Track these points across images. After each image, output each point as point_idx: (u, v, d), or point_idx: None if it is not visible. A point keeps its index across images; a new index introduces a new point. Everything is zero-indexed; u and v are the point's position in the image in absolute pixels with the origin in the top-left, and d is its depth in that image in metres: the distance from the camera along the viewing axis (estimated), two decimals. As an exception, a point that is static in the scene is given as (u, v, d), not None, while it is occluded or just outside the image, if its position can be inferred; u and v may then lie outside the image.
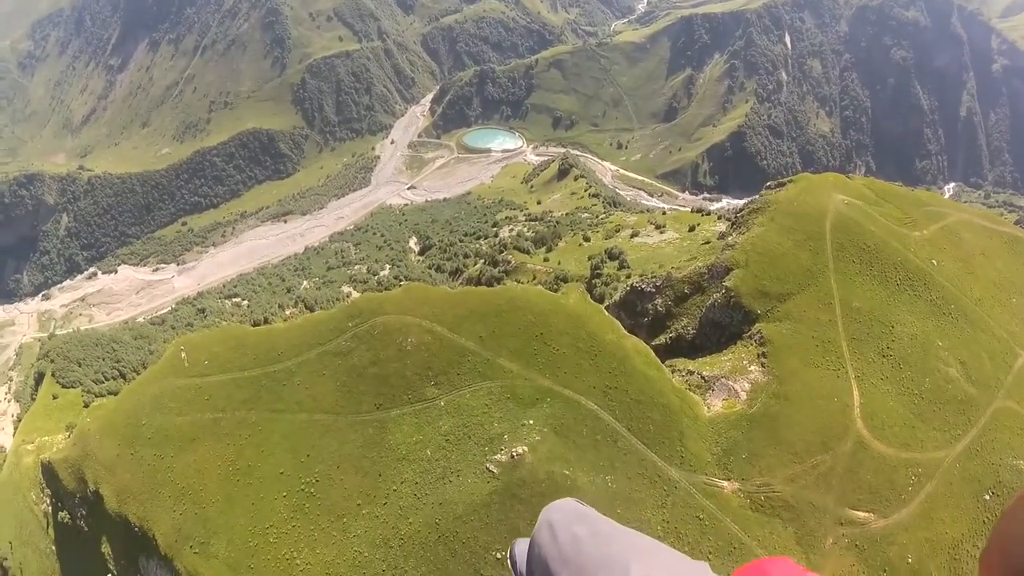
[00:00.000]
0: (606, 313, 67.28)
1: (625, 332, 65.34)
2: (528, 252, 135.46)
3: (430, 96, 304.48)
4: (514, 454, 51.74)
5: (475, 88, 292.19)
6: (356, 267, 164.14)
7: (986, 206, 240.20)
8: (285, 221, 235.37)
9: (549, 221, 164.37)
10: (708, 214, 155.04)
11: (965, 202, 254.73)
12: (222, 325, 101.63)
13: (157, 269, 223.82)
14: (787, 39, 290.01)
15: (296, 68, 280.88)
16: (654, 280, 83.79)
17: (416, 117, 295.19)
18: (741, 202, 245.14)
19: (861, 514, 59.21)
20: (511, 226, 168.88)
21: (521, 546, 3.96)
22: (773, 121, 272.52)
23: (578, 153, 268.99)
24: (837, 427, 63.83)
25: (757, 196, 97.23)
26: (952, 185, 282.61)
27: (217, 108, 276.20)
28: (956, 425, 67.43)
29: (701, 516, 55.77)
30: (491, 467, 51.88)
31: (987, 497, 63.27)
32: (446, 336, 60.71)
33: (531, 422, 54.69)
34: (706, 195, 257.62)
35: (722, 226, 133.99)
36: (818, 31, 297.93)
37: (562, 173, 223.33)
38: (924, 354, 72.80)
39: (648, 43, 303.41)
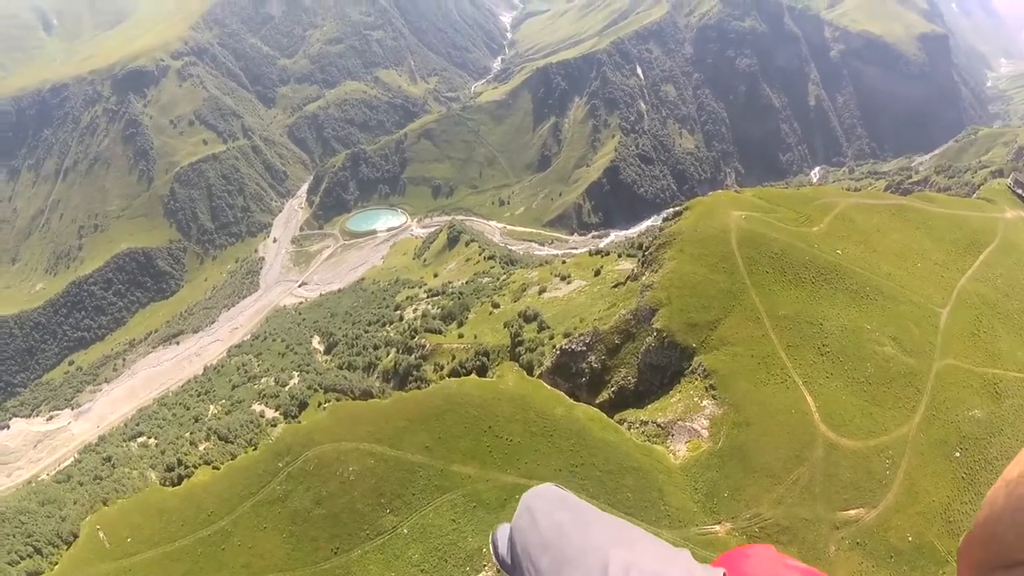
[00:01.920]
0: (547, 386, 64.26)
1: (571, 401, 62.51)
2: (440, 331, 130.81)
3: (305, 187, 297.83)
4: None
5: (349, 171, 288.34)
6: (263, 380, 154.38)
7: (853, 180, 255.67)
8: (177, 343, 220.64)
9: (452, 293, 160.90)
10: (607, 254, 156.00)
11: (833, 182, 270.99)
12: (136, 493, 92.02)
13: (51, 417, 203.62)
14: (639, 71, 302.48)
15: (164, 179, 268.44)
16: (582, 338, 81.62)
17: (294, 211, 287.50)
18: (630, 232, 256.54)
19: (852, 512, 58.92)
20: (414, 306, 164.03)
21: (502, 532, 3.74)
22: (641, 149, 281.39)
23: (463, 218, 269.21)
24: (803, 437, 63.36)
25: (657, 229, 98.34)
26: (817, 169, 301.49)
27: (87, 232, 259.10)
28: (907, 398, 68.48)
29: None
30: (478, 586, 47.47)
31: (957, 454, 64.34)
32: (390, 454, 55.97)
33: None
34: (594, 233, 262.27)
35: (626, 263, 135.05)
36: (666, 57, 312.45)
37: (452, 241, 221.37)
38: (858, 341, 74.00)
39: (510, 99, 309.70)
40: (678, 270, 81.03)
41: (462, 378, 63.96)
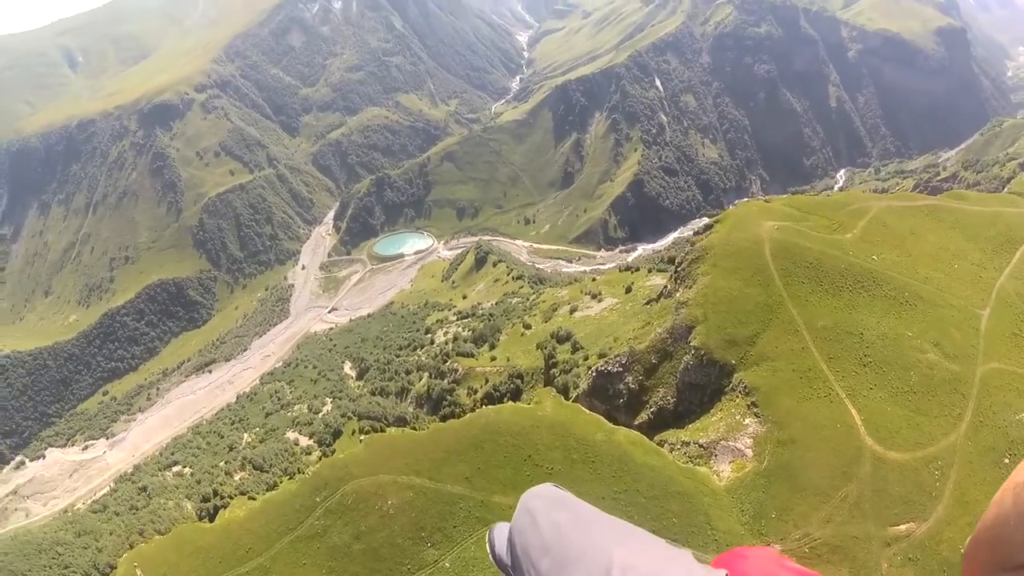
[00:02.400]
0: (586, 411, 63.27)
1: (612, 426, 61.41)
2: (472, 355, 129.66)
3: (331, 214, 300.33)
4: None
5: (374, 197, 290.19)
6: (296, 407, 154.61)
7: (879, 180, 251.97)
8: (210, 371, 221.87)
9: (482, 315, 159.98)
10: (637, 269, 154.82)
11: (859, 183, 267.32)
12: (173, 529, 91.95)
13: (87, 447, 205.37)
14: (657, 83, 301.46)
15: (192, 210, 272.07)
16: (619, 358, 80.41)
17: (322, 237, 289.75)
18: (657, 245, 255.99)
19: (903, 527, 57.11)
20: (445, 329, 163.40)
21: (500, 531, 3.81)
22: (664, 161, 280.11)
23: (489, 238, 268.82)
24: (850, 452, 61.65)
25: (688, 243, 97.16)
26: (843, 171, 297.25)
27: (118, 264, 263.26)
28: (953, 405, 66.66)
29: None
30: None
31: (1007, 460, 62.42)
32: (429, 487, 55.24)
33: (549, 556, 49.57)
34: (621, 247, 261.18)
35: (657, 279, 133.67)
36: (684, 68, 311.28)
37: (479, 262, 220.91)
38: (899, 349, 72.26)
39: (530, 117, 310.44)
40: (712, 285, 79.77)
41: (499, 406, 63.07)
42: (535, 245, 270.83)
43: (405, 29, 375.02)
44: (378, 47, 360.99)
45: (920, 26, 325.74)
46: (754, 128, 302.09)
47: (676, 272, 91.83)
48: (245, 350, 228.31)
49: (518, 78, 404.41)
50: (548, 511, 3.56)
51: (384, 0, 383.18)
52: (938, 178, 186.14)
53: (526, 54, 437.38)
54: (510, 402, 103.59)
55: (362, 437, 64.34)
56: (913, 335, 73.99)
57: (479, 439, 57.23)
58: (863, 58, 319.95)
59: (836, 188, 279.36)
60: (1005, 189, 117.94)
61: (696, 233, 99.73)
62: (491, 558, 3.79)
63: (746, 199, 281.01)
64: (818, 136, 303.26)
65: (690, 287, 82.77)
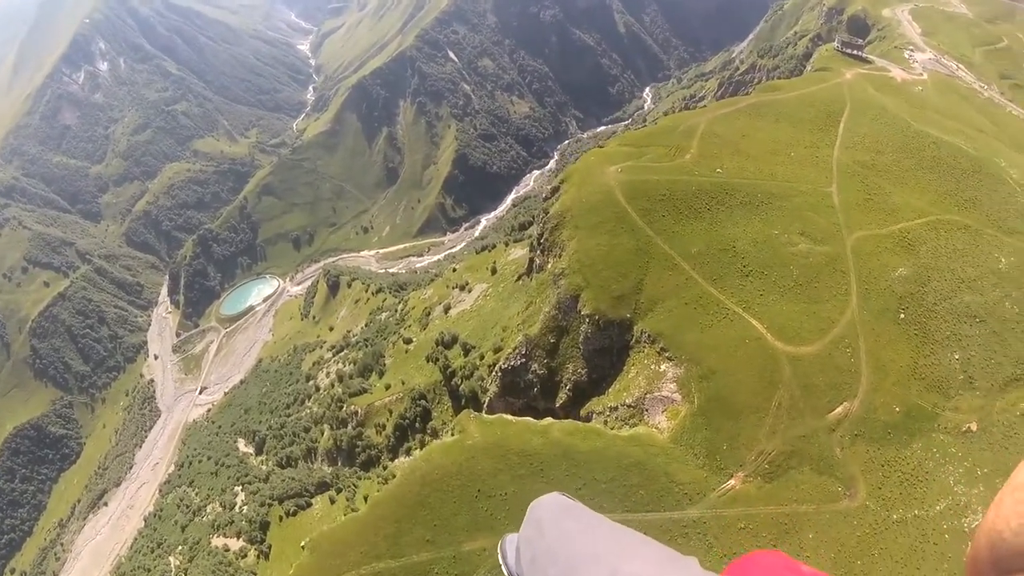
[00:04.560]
0: (512, 419, 60.31)
1: (543, 423, 59.09)
2: (365, 390, 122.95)
3: (164, 290, 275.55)
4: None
5: (203, 257, 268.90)
6: (208, 509, 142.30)
7: (684, 88, 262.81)
8: (106, 504, 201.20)
9: (357, 343, 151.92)
10: (493, 246, 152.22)
11: (667, 96, 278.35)
12: None
13: None
14: (452, 55, 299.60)
15: (19, 340, 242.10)
16: (518, 351, 78.08)
17: (163, 318, 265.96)
18: (499, 212, 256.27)
19: (839, 410, 59.96)
20: (325, 369, 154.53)
21: (511, 542, 3.84)
22: (480, 129, 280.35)
23: (334, 259, 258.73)
24: (767, 362, 63.49)
25: (542, 212, 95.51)
26: (648, 90, 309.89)
27: None
28: (838, 285, 70.20)
29: (742, 524, 53.28)
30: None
31: (902, 316, 66.52)
32: (395, 567, 50.71)
33: None
34: (466, 225, 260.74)
35: (516, 250, 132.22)
36: (474, 34, 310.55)
37: (333, 288, 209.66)
38: (772, 249, 74.50)
39: (336, 125, 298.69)
40: (582, 248, 78.63)
41: (426, 451, 58.78)
42: (381, 251, 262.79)
43: (182, 71, 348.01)
44: (159, 99, 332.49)
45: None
46: (555, 73, 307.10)
47: (540, 244, 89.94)
48: (131, 467, 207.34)
49: (311, 88, 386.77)
50: (555, 520, 3.55)
51: (151, 47, 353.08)
52: (739, 72, 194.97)
53: (312, 61, 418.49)
54: (428, 438, 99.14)
55: (303, 543, 57.92)
56: (780, 232, 76.38)
57: (422, 495, 53.41)
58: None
59: (646, 107, 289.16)
60: (807, 67, 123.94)
61: (545, 198, 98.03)
62: (503, 569, 3.70)
63: (566, 142, 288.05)
64: (616, 64, 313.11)
65: (560, 255, 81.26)
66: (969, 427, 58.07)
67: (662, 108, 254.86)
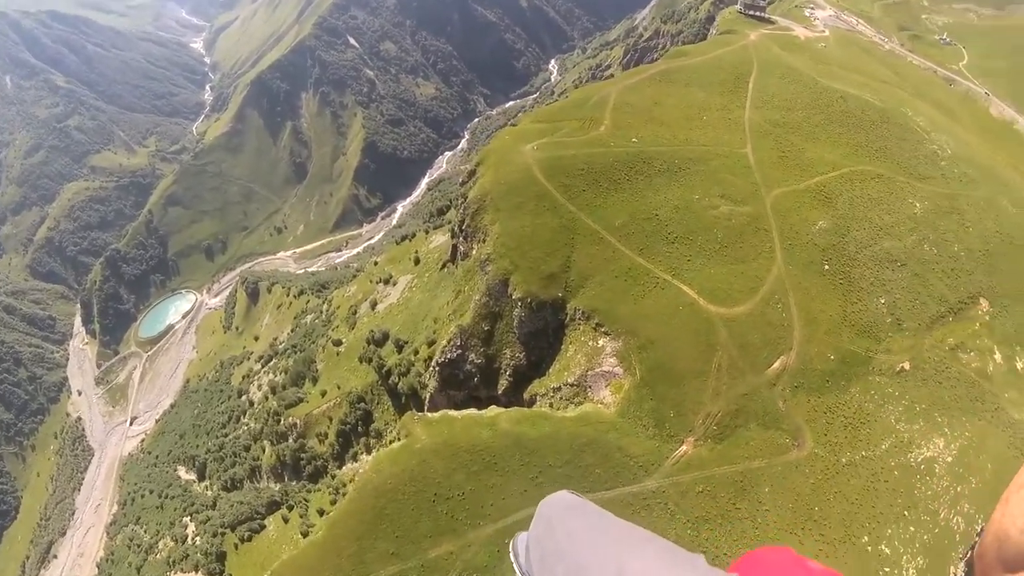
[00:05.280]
0: (457, 415, 58.72)
1: (490, 414, 58.09)
2: (301, 399, 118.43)
3: (78, 320, 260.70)
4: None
5: (113, 280, 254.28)
6: (161, 546, 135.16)
7: (590, 58, 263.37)
8: (55, 556, 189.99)
9: (285, 351, 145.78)
10: (413, 235, 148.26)
11: (572, 67, 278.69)
12: None
13: None
14: (352, 41, 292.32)
15: None
16: (453, 343, 76.14)
17: (81, 350, 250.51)
18: (414, 197, 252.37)
19: (777, 364, 61.15)
20: (256, 382, 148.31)
21: (522, 541, 3.87)
22: (387, 115, 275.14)
23: (250, 265, 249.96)
24: (702, 325, 64.00)
25: (460, 197, 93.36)
26: (553, 62, 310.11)
27: None
28: (762, 243, 71.48)
29: (700, 488, 53.70)
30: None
31: (826, 267, 68.38)
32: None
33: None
34: (382, 214, 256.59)
35: (437, 237, 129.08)
36: (373, 17, 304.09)
37: (253, 295, 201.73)
38: (694, 214, 74.94)
39: (238, 124, 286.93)
40: (505, 231, 77.12)
41: (375, 459, 56.65)
42: (298, 250, 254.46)
43: (71, 84, 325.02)
44: (49, 116, 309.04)
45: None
46: (459, 51, 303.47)
47: (462, 230, 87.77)
48: (73, 513, 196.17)
49: (208, 88, 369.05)
50: (563, 518, 3.59)
51: (37, 61, 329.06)
52: (643, 39, 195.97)
53: (208, 59, 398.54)
54: (373, 441, 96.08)
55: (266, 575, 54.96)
56: (700, 196, 76.78)
57: (379, 507, 51.61)
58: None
59: (552, 79, 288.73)
60: (712, 31, 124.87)
61: (462, 183, 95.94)
62: (515, 567, 3.74)
63: (476, 120, 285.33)
64: (520, 38, 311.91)
65: (484, 241, 79.41)
66: (903, 367, 60.19)
67: (569, 79, 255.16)
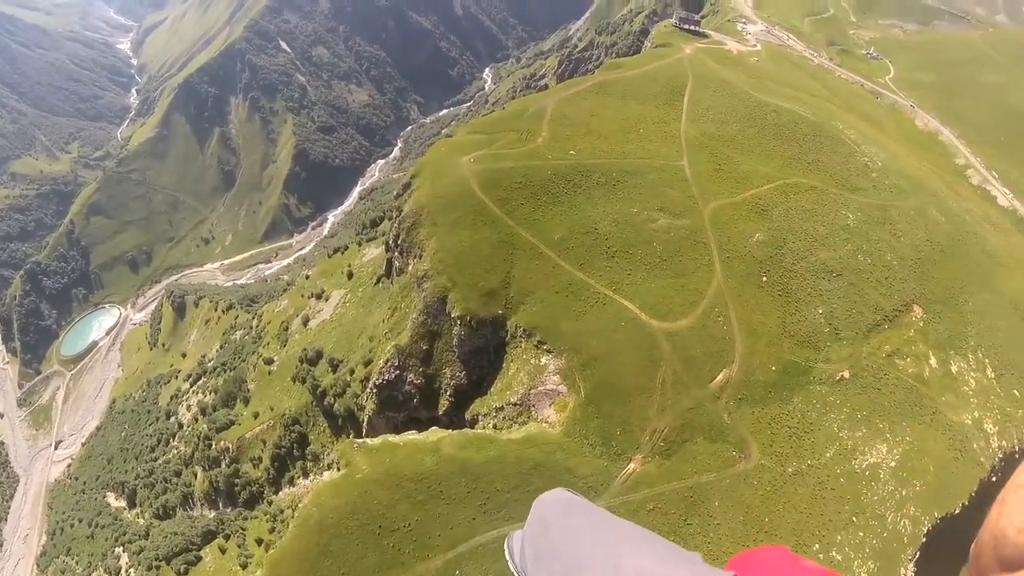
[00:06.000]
0: (398, 441, 56.84)
1: (432, 438, 56.37)
2: (233, 422, 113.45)
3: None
4: None
5: (33, 294, 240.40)
6: None
7: (524, 67, 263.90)
8: None
9: (215, 369, 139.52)
10: (346, 248, 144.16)
11: (506, 76, 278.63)
12: None
13: None
14: (284, 45, 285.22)
15: None
16: (390, 364, 73.91)
17: (2, 370, 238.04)
18: (346, 207, 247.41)
19: (720, 377, 61.56)
20: (185, 402, 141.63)
21: (517, 539, 3.81)
22: (319, 122, 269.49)
23: (176, 277, 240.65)
24: (645, 340, 63.75)
25: (394, 210, 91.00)
26: (488, 70, 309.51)
27: None
28: (701, 256, 71.97)
29: (651, 506, 53.66)
30: None
31: (764, 278, 69.22)
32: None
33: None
34: (312, 224, 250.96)
35: (371, 250, 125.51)
36: (306, 22, 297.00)
37: (179, 310, 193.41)
38: (634, 227, 74.77)
39: (163, 129, 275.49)
40: (443, 246, 75.36)
41: (316, 492, 53.83)
42: (226, 261, 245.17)
43: None
44: None
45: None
46: (394, 58, 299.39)
47: (397, 244, 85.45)
48: (1, 545, 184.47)
49: (134, 91, 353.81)
50: (558, 517, 3.58)
51: None
52: (578, 50, 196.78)
53: (135, 61, 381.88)
54: (310, 464, 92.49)
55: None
56: (639, 209, 76.59)
57: (322, 544, 49.35)
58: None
59: (487, 87, 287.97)
60: (646, 43, 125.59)
61: (396, 196, 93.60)
62: (511, 566, 3.69)
63: (409, 128, 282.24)
64: (455, 46, 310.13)
65: (420, 256, 77.38)
66: (842, 375, 61.31)
67: (503, 88, 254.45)
